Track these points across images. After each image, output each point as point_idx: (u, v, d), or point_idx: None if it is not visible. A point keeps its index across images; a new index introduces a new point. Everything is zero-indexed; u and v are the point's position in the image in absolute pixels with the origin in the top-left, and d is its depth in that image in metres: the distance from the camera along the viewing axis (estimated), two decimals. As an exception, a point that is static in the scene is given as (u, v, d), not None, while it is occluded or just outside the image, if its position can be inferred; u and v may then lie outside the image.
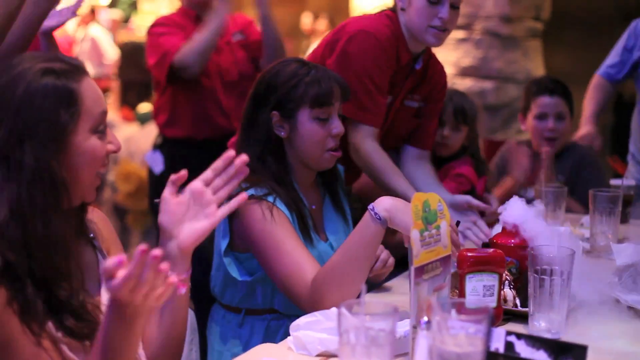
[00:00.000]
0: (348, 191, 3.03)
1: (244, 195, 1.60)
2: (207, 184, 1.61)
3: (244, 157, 1.61)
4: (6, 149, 1.47)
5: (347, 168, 2.88)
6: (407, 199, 2.31)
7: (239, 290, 2.29)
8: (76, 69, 1.55)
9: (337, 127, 2.29)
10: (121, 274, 1.32)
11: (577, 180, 3.58)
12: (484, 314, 1.35)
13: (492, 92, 5.86)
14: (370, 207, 1.98)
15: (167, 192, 1.61)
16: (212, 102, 3.91)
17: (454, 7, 2.63)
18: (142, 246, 1.32)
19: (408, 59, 2.73)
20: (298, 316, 1.87)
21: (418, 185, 2.70)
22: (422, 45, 2.74)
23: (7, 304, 1.43)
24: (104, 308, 1.53)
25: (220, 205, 1.62)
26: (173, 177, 1.60)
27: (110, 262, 1.34)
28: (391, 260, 2.30)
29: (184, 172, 1.59)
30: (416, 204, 1.62)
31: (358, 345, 1.34)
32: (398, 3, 2.70)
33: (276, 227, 2.12)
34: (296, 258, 2.08)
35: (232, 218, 2.21)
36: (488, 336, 1.36)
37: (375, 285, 2.37)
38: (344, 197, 2.51)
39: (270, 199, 2.16)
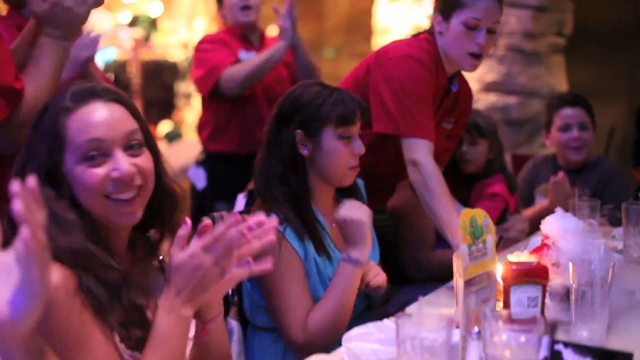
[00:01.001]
0: (383, 209, 3.12)
1: (268, 264, 1.54)
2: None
3: (274, 222, 1.59)
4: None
5: (383, 187, 2.96)
6: (449, 227, 2.42)
7: (265, 312, 2.37)
8: (75, 101, 1.63)
9: (358, 146, 2.38)
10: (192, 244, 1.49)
11: (604, 193, 3.63)
12: (534, 324, 1.42)
13: (516, 107, 5.90)
14: (344, 256, 2.24)
15: (175, 249, 1.55)
16: (255, 118, 4.00)
17: (491, 32, 2.70)
18: (222, 227, 1.50)
19: (445, 82, 2.81)
20: None
21: None
22: (458, 67, 2.81)
23: (79, 291, 1.51)
24: None
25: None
26: (200, 226, 1.55)
27: (180, 231, 1.53)
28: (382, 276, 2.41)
29: (208, 222, 1.56)
30: (464, 220, 1.69)
31: (415, 355, 1.41)
32: (436, 27, 2.78)
33: (279, 263, 2.20)
34: (292, 301, 2.23)
35: None
36: (539, 345, 1.43)
37: (377, 299, 2.51)
38: None
39: (281, 228, 2.24)
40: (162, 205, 1.73)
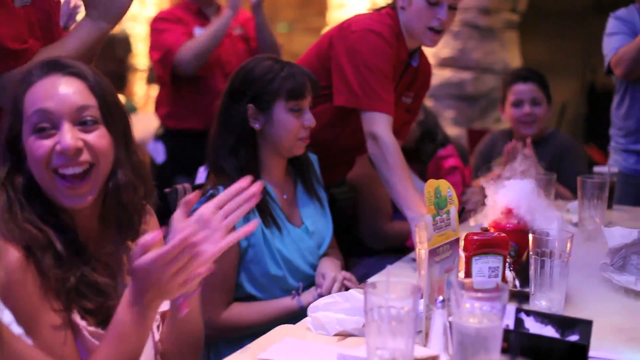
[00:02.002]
0: (342, 181, 3.14)
1: (254, 223, 1.60)
2: (220, 207, 1.60)
3: (259, 185, 1.62)
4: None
5: (343, 160, 2.97)
6: (405, 200, 2.44)
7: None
8: (34, 74, 1.63)
9: (308, 119, 2.44)
10: (156, 251, 1.43)
11: (560, 166, 3.68)
12: (499, 292, 1.44)
13: (470, 82, 5.95)
14: (297, 300, 2.33)
15: (179, 214, 1.59)
16: (212, 93, 3.95)
17: (452, 8, 2.72)
18: (187, 231, 1.41)
19: (405, 56, 2.83)
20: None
21: None
22: (418, 42, 2.83)
23: (31, 271, 1.51)
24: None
25: (229, 231, 1.61)
26: (185, 199, 1.59)
27: (146, 237, 1.45)
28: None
29: (193, 196, 1.60)
30: (429, 190, 1.71)
31: (382, 323, 1.43)
32: (398, 2, 2.79)
33: None
34: (218, 283, 2.29)
35: None
36: (504, 312, 1.46)
37: None
38: (317, 182, 2.63)
39: None
40: (127, 189, 1.69)
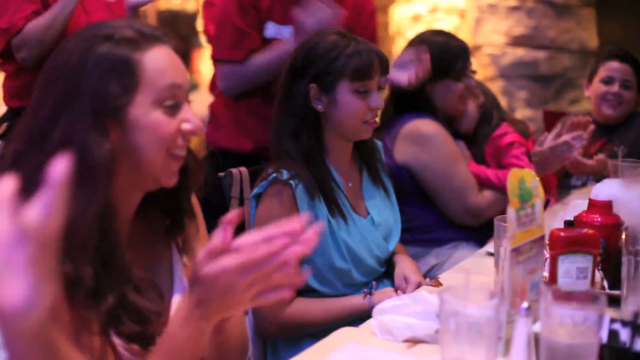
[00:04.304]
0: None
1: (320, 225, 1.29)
2: (267, 241, 1.24)
3: (318, 228, 1.27)
4: (46, 123, 1.34)
5: None
6: None
7: None
8: (146, 38, 1.40)
9: (376, 100, 2.23)
10: (232, 257, 1.23)
11: None
12: (593, 300, 1.26)
13: (544, 61, 5.75)
14: (369, 300, 2.15)
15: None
16: None
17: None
18: (283, 237, 1.22)
19: None
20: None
21: None
22: None
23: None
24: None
25: None
26: (225, 219, 1.26)
27: (215, 240, 1.24)
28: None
29: (234, 216, 1.26)
30: (512, 181, 1.52)
31: (460, 333, 1.26)
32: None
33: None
34: None
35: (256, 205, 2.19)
36: (600, 324, 1.27)
37: None
38: (383, 170, 2.45)
39: (292, 183, 2.13)
40: (192, 173, 1.52)
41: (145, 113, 1.36)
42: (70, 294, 1.25)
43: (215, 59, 2.96)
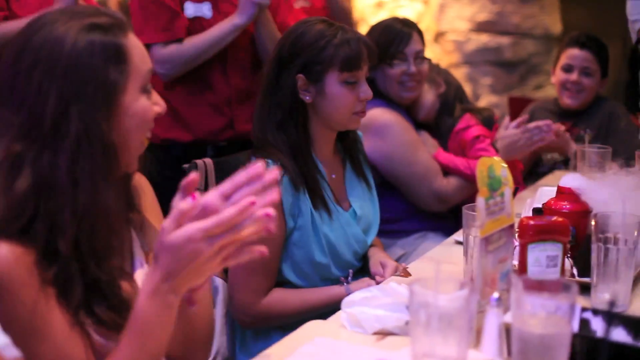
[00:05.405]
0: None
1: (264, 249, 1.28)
2: (225, 197, 1.23)
3: (275, 173, 1.25)
4: (56, 117, 1.32)
5: None
6: None
7: None
8: (121, 23, 1.40)
9: (365, 91, 2.19)
10: (198, 223, 1.20)
11: (609, 132, 3.49)
12: (564, 289, 1.24)
13: (508, 47, 5.75)
14: (346, 288, 2.12)
15: (178, 200, 1.28)
16: None
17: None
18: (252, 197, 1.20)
19: None
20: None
21: None
22: None
23: (45, 284, 1.30)
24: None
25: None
26: (184, 182, 1.28)
27: (182, 205, 1.21)
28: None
29: (194, 176, 1.29)
30: (481, 170, 1.50)
31: (431, 325, 1.23)
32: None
33: None
34: (242, 278, 2.12)
35: None
36: (572, 314, 1.25)
37: None
38: (365, 162, 2.42)
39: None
40: None
41: (135, 99, 1.39)
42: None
43: (151, 44, 2.84)
